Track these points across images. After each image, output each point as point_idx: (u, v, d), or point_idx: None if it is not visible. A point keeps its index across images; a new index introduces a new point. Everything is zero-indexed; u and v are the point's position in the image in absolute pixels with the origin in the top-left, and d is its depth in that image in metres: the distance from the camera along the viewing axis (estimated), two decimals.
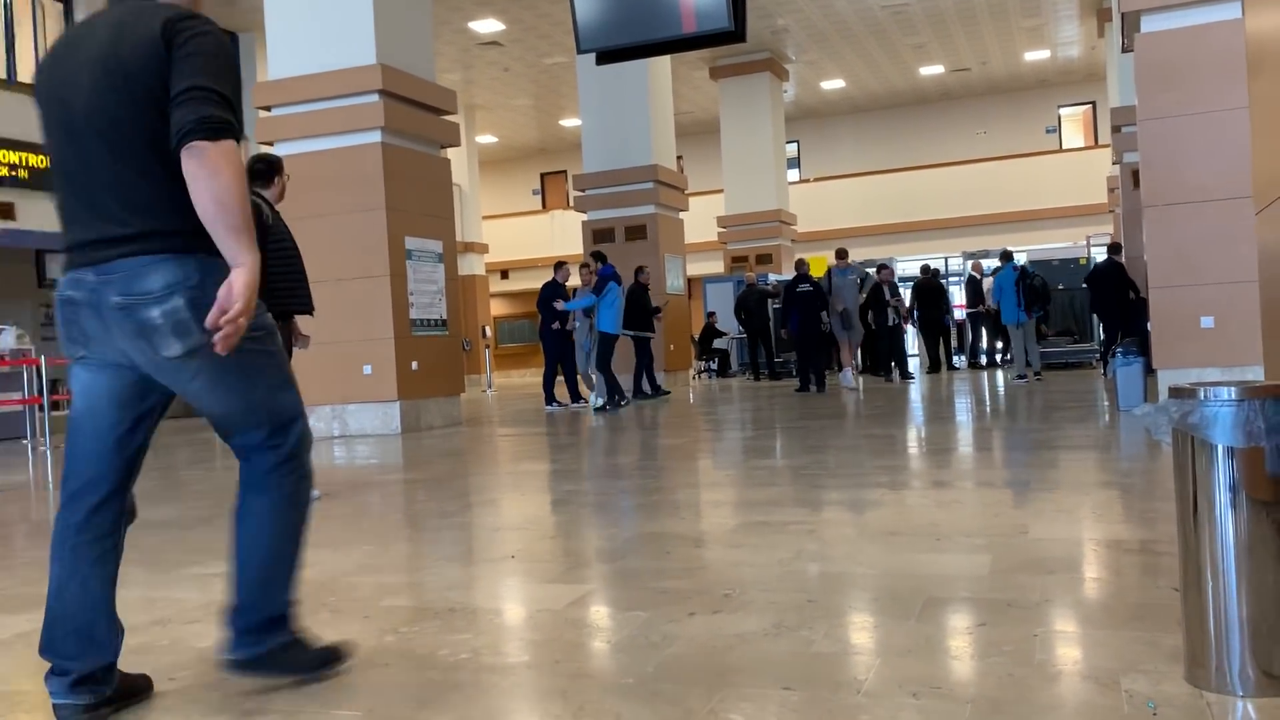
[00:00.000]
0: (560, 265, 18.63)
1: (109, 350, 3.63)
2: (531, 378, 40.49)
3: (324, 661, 3.90)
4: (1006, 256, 19.71)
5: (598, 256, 18.55)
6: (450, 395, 16.48)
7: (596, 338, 17.66)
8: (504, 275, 41.31)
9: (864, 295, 21.80)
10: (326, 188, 15.48)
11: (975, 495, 6.83)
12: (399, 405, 15.43)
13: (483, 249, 36.33)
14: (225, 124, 3.43)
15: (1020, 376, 18.89)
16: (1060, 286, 24.15)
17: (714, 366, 29.86)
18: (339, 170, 15.46)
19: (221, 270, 3.53)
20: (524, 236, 41.04)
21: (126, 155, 3.54)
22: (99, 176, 3.57)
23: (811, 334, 19.57)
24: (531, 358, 43.35)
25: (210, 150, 3.40)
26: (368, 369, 15.53)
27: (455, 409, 16.50)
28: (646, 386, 19.90)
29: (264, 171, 7.88)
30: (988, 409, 13.23)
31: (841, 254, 19.99)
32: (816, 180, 38.03)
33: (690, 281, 34.78)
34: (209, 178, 3.40)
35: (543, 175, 44.43)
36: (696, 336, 30.76)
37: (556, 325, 17.88)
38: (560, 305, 17.59)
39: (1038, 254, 25.99)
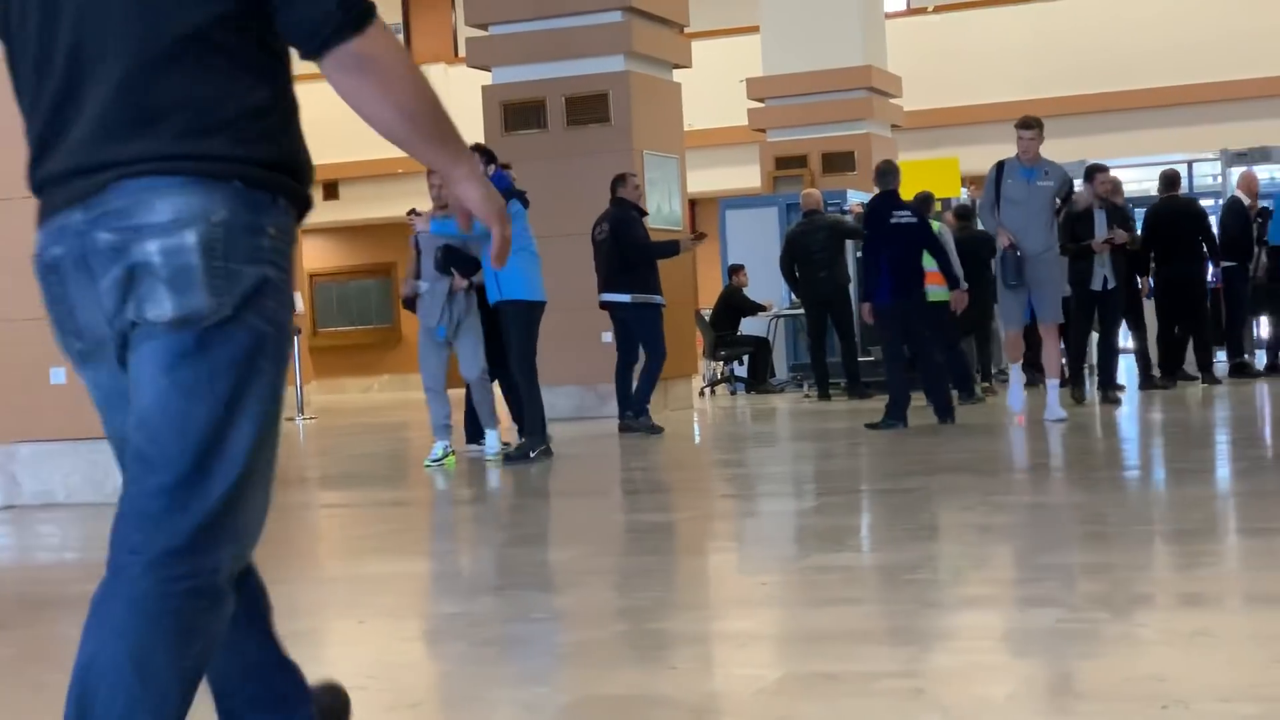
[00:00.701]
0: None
1: (99, 328, 2.47)
2: (387, 394, 25.20)
3: None
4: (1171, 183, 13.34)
5: (483, 155, 10.52)
6: None
7: (473, 314, 10.60)
8: (329, 191, 24.85)
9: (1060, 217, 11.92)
10: None
11: (1241, 623, 4.42)
12: None
13: None
14: (368, 5, 2.45)
15: None
16: None
17: (739, 372, 18.42)
18: None
19: (270, 218, 2.47)
20: None
21: (161, 46, 2.40)
22: (110, 75, 2.41)
23: (911, 310, 11.70)
24: (388, 354, 26.38)
25: (370, 48, 2.44)
26: (58, 376, 8.99)
27: None
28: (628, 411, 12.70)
29: None
30: None
31: (1029, 124, 11.04)
32: (941, 9, 23.03)
33: (694, 206, 21.56)
34: (384, 90, 2.49)
35: (405, 2, 27.21)
36: (707, 314, 18.39)
37: (465, 284, 10.43)
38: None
39: None
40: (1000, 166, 11.06)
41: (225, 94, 2.47)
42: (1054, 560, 5.57)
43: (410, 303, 10.80)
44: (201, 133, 2.45)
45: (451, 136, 2.62)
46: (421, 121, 2.57)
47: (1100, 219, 12.63)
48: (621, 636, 4.61)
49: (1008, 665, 3.99)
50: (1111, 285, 12.75)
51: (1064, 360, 12.68)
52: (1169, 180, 14.68)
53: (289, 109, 2.64)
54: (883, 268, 11.49)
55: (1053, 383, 11.24)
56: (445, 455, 10.50)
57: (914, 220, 11.71)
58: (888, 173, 11.90)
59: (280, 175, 2.55)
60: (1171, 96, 20.91)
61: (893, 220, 11.62)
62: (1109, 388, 12.89)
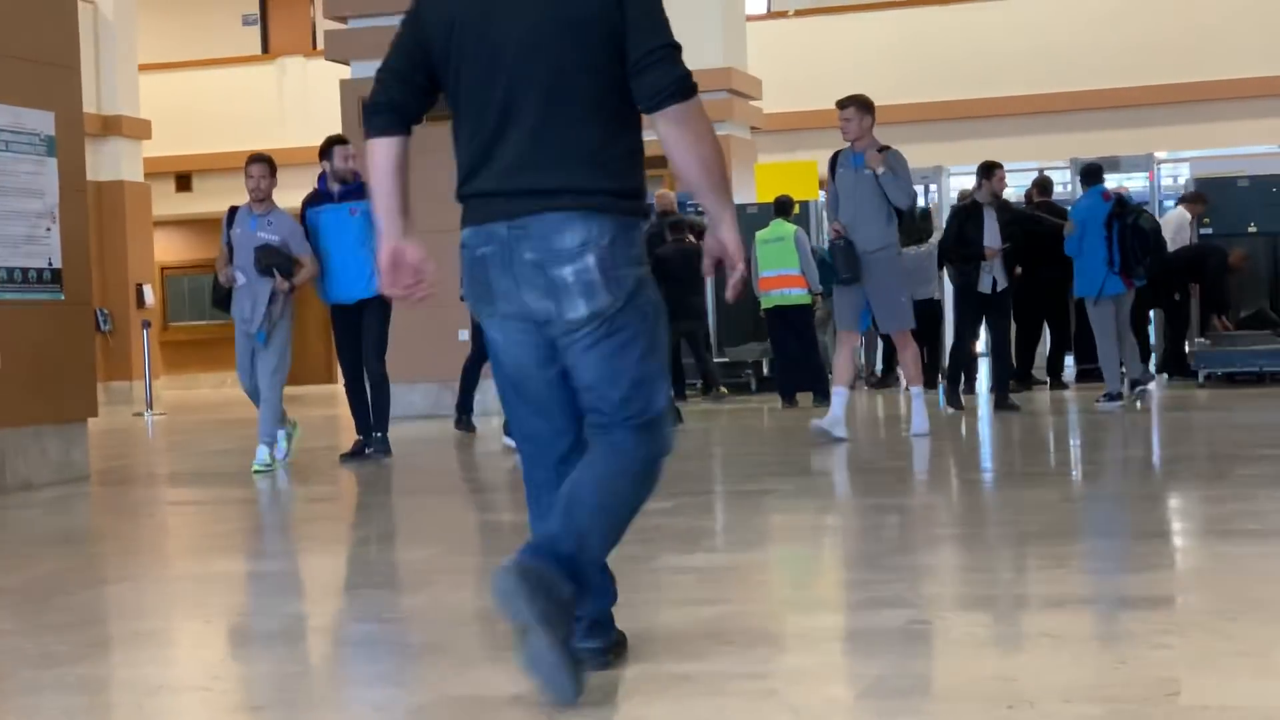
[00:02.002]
0: (334, 147, 10.53)
1: (510, 302, 3.60)
2: (240, 390, 23.54)
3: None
4: (1093, 175, 12.90)
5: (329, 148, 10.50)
6: (68, 422, 9.78)
7: (288, 318, 9.89)
8: (183, 183, 24.44)
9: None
10: None
11: (1086, 625, 4.45)
12: None
13: (140, 129, 21.70)
14: (694, 83, 3.55)
15: (1111, 396, 12.13)
16: (1252, 229, 15.70)
17: None
18: None
19: (635, 231, 3.60)
20: (225, 106, 23.83)
21: (562, 105, 3.52)
22: (531, 125, 3.53)
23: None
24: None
25: (690, 111, 3.54)
26: None
27: (78, 450, 9.87)
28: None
29: None
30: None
31: (845, 103, 10.25)
32: (802, 13, 23.15)
33: None
34: (694, 143, 3.56)
35: None
36: None
37: (287, 286, 9.80)
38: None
39: (1209, 165, 18.10)
40: (834, 158, 10.36)
41: (608, 141, 3.59)
42: (904, 562, 5.62)
43: (224, 300, 9.92)
44: (594, 171, 3.57)
45: (726, 189, 3.67)
46: (713, 172, 3.63)
47: (990, 218, 12.25)
48: (473, 637, 4.57)
49: (858, 666, 4.02)
50: (1001, 287, 12.35)
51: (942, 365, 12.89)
52: (1042, 185, 15.61)
53: (641, 147, 3.70)
54: None
55: (916, 391, 10.37)
56: (272, 462, 9.85)
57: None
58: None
59: (639, 200, 3.64)
60: (1025, 105, 21.29)
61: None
62: (1003, 393, 12.48)
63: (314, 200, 10.35)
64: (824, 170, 10.63)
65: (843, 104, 10.15)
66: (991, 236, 12.12)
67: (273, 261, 9.59)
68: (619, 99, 3.58)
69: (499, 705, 3.71)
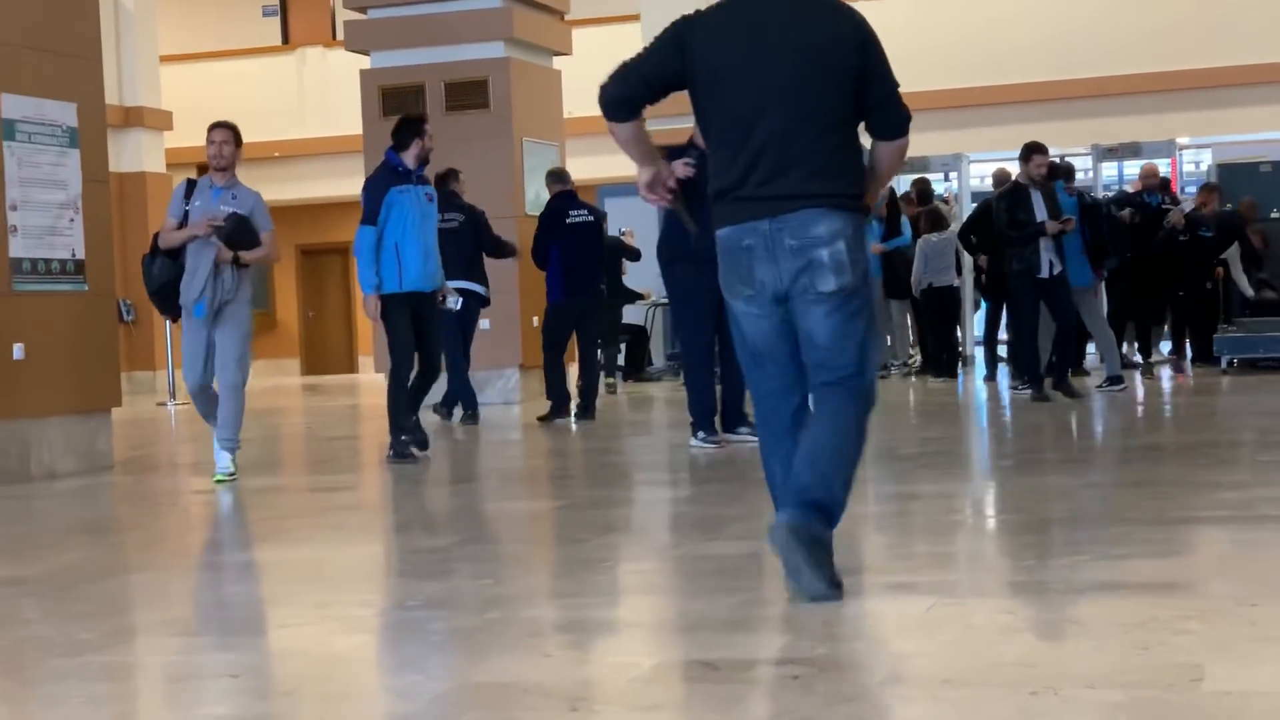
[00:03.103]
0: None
1: (770, 287, 4.57)
2: (261, 380, 22.27)
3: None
4: (1060, 173, 13.18)
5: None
6: (92, 412, 9.84)
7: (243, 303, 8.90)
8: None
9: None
10: None
11: (1108, 611, 4.38)
12: None
13: (161, 120, 21.60)
14: (909, 121, 4.75)
15: (1113, 380, 12.42)
16: (1275, 215, 16.16)
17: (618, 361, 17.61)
18: None
19: (864, 227, 4.75)
20: (245, 96, 23.08)
21: (814, 129, 4.56)
22: (788, 143, 4.54)
23: (587, 309, 12.54)
24: (261, 338, 23.26)
25: (904, 142, 4.77)
26: None
27: (102, 439, 9.93)
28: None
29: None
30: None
31: None
32: None
33: (579, 191, 21.69)
34: (894, 161, 4.88)
35: None
36: None
37: (230, 258, 8.65)
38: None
39: (1231, 151, 18.04)
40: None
41: (848, 157, 4.65)
42: (926, 549, 5.62)
43: (166, 291, 8.69)
44: (837, 179, 4.60)
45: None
46: (888, 179, 5.23)
47: (1037, 200, 12.04)
48: (495, 624, 4.58)
49: (880, 652, 4.02)
50: (1058, 270, 12.04)
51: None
52: (1067, 172, 15.19)
53: (863, 161, 4.74)
54: (556, 267, 12.09)
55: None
56: (236, 470, 8.82)
57: (590, 219, 12.37)
58: (562, 175, 12.71)
59: (862, 200, 4.68)
60: (1046, 91, 21.22)
61: (569, 220, 12.18)
62: (1064, 382, 12.12)
63: (397, 179, 9.46)
64: None
65: None
66: (1044, 216, 11.93)
67: (241, 236, 8.60)
68: (852, 125, 4.67)
69: (521, 692, 3.72)
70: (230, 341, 8.62)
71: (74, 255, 9.67)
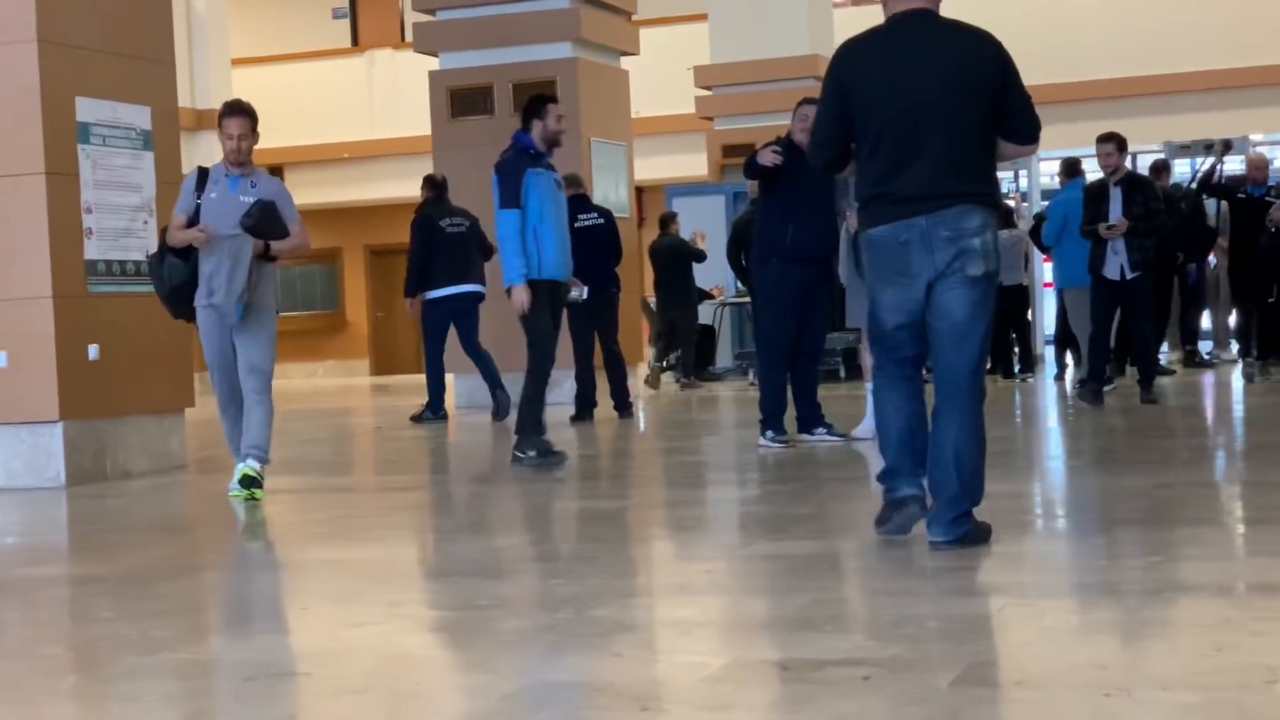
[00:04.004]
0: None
1: (924, 276, 5.28)
2: (332, 380, 25.08)
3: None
4: (1072, 169, 13.20)
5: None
6: (165, 412, 9.88)
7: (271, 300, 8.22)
8: (275, 176, 21.74)
9: None
10: None
11: (1181, 612, 4.40)
12: (61, 431, 9.05)
13: None
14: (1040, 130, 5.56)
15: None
16: None
17: (678, 361, 17.38)
18: None
19: (996, 219, 5.48)
20: (315, 98, 24.03)
21: (958, 135, 5.30)
22: (942, 147, 5.27)
23: (600, 308, 12.44)
24: (332, 339, 26.60)
25: (1034, 146, 5.67)
26: None
27: (175, 439, 9.99)
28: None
29: None
30: None
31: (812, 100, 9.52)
32: None
33: (641, 194, 21.23)
34: (1022, 154, 5.80)
35: None
36: (654, 301, 17.91)
37: (263, 248, 7.96)
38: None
39: None
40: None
41: (987, 158, 5.44)
42: (996, 549, 5.59)
43: (181, 295, 8.00)
44: (980, 179, 5.38)
45: None
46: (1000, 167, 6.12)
47: (1116, 196, 11.49)
48: (565, 623, 4.59)
49: (951, 653, 4.00)
50: (1131, 275, 11.41)
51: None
52: (1159, 169, 15.37)
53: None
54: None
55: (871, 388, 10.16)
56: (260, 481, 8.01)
57: (600, 221, 12.53)
58: (574, 179, 12.39)
59: (995, 197, 5.54)
60: (1117, 89, 21.05)
61: (578, 224, 11.92)
62: (1148, 388, 11.59)
63: (531, 160, 8.96)
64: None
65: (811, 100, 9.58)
66: (1115, 215, 11.39)
67: (271, 225, 7.79)
68: (989, 133, 5.40)
69: (592, 691, 3.73)
70: (257, 345, 7.89)
71: (148, 257, 9.75)
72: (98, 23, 9.50)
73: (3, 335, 9.07)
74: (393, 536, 6.91)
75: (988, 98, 5.34)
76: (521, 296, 8.82)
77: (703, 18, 20.69)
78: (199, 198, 7.86)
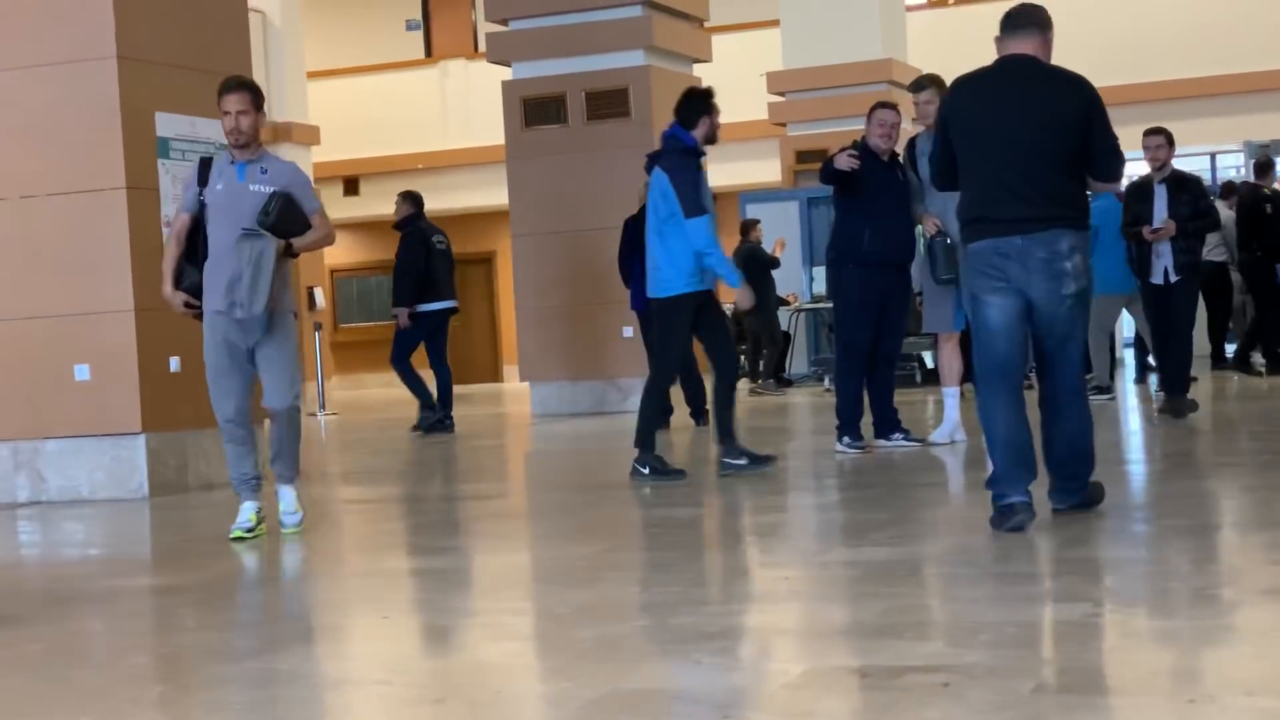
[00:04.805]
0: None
1: (1019, 287, 5.88)
2: (407, 390, 26.71)
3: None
4: None
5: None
6: None
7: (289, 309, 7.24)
8: (350, 187, 24.81)
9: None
10: None
11: (1267, 617, 4.26)
12: (144, 444, 9.14)
13: (308, 135, 21.75)
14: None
15: (1101, 389, 12.04)
16: None
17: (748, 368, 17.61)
18: None
19: (1087, 240, 6.04)
20: (390, 110, 24.25)
21: (1051, 166, 5.93)
22: (1037, 177, 5.91)
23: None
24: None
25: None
26: (81, 372, 9.25)
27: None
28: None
29: None
30: None
31: (922, 85, 9.44)
32: (961, 1, 22.75)
33: (716, 199, 20.94)
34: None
35: None
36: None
37: (284, 246, 6.94)
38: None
39: None
40: (912, 143, 9.51)
41: (1078, 188, 6.08)
42: (1077, 554, 5.54)
43: (187, 280, 7.06)
44: (1074, 206, 6.00)
45: None
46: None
47: (1161, 195, 10.85)
48: (644, 631, 4.60)
49: (1033, 659, 3.97)
50: (1175, 278, 10.84)
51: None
52: (1262, 167, 15.02)
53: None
54: (637, 273, 11.74)
55: (951, 392, 9.59)
56: (259, 523, 7.15)
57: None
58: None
59: (1085, 219, 6.06)
60: (1194, 88, 20.81)
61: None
62: (1177, 398, 10.84)
63: (696, 159, 8.61)
64: (905, 159, 9.52)
65: (920, 86, 9.29)
66: (1160, 215, 10.80)
67: (291, 220, 6.88)
68: (1079, 163, 5.99)
69: (671, 699, 3.73)
70: (280, 356, 7.03)
71: None
72: (176, 39, 9.63)
73: (86, 349, 9.21)
74: (471, 545, 6.93)
75: (1075, 138, 5.94)
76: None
77: (775, 23, 20.66)
78: (203, 192, 6.95)
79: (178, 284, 7.01)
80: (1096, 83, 6.23)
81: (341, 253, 26.00)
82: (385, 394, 24.10)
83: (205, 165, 7.05)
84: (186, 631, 5.16)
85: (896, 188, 9.06)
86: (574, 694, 3.83)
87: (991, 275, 5.93)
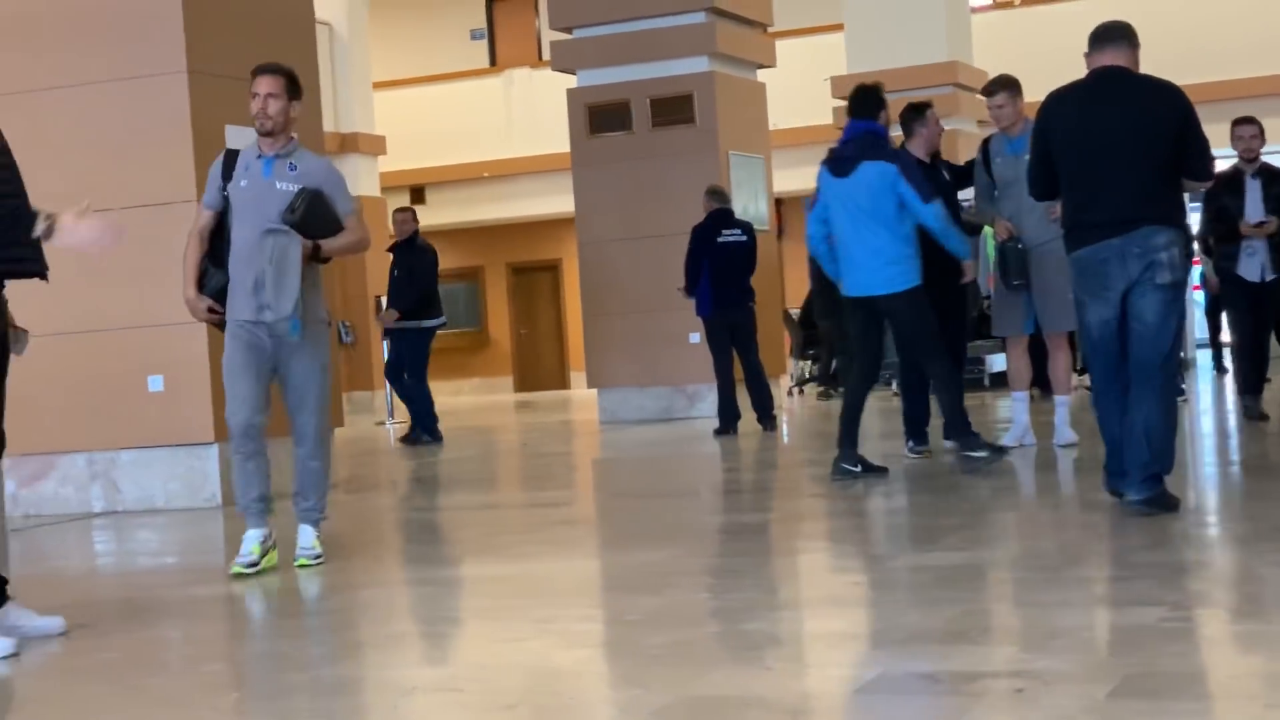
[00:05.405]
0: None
1: (1119, 287, 6.18)
2: (476, 397, 25.36)
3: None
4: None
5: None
6: None
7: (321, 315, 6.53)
8: (417, 196, 24.06)
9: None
10: (69, 32, 9.48)
11: None
12: (217, 453, 9.14)
13: (375, 145, 21.55)
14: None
15: None
16: None
17: (819, 372, 18.29)
18: None
19: (1183, 237, 6.30)
20: (455, 119, 24.10)
21: (1145, 172, 6.20)
22: (1131, 180, 6.19)
23: (738, 323, 12.57)
24: (476, 357, 26.82)
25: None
26: (155, 383, 9.35)
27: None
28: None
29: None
30: None
31: (994, 89, 9.34)
32: (1028, 2, 22.71)
33: (780, 205, 20.85)
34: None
35: (490, 2, 26.86)
36: (796, 313, 19.08)
37: (311, 247, 6.31)
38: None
39: None
40: (986, 144, 9.36)
41: (1173, 190, 6.29)
42: (1151, 558, 5.49)
43: (214, 283, 6.45)
44: (1167, 205, 6.24)
45: None
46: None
47: (1254, 189, 10.24)
48: (715, 637, 4.60)
49: (1107, 664, 3.94)
50: (1271, 276, 10.21)
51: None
52: None
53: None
54: (706, 282, 12.20)
55: (1062, 399, 9.35)
56: (266, 553, 6.43)
57: (742, 238, 12.38)
58: (719, 193, 12.67)
59: (1180, 218, 6.32)
60: (1268, 87, 20.57)
61: (720, 239, 12.28)
62: (1254, 400, 10.45)
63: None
64: (978, 158, 9.38)
65: (992, 89, 9.20)
66: (1253, 208, 10.18)
67: (321, 219, 6.26)
68: (1172, 166, 6.25)
69: (741, 706, 3.73)
70: (310, 370, 6.37)
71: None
72: (245, 52, 9.68)
73: (159, 360, 9.31)
74: (542, 552, 6.96)
75: (1168, 143, 6.23)
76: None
77: (839, 27, 20.57)
78: (226, 188, 6.37)
79: (200, 287, 6.41)
80: (1176, 82, 6.31)
81: None
82: (454, 401, 24.23)
83: (231, 158, 6.46)
84: (260, 639, 5.20)
85: (944, 190, 9.04)
86: (645, 701, 3.84)
87: (1094, 280, 6.26)
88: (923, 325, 8.45)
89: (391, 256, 13.82)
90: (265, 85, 6.33)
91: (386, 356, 14.59)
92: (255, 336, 6.28)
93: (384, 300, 22.73)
